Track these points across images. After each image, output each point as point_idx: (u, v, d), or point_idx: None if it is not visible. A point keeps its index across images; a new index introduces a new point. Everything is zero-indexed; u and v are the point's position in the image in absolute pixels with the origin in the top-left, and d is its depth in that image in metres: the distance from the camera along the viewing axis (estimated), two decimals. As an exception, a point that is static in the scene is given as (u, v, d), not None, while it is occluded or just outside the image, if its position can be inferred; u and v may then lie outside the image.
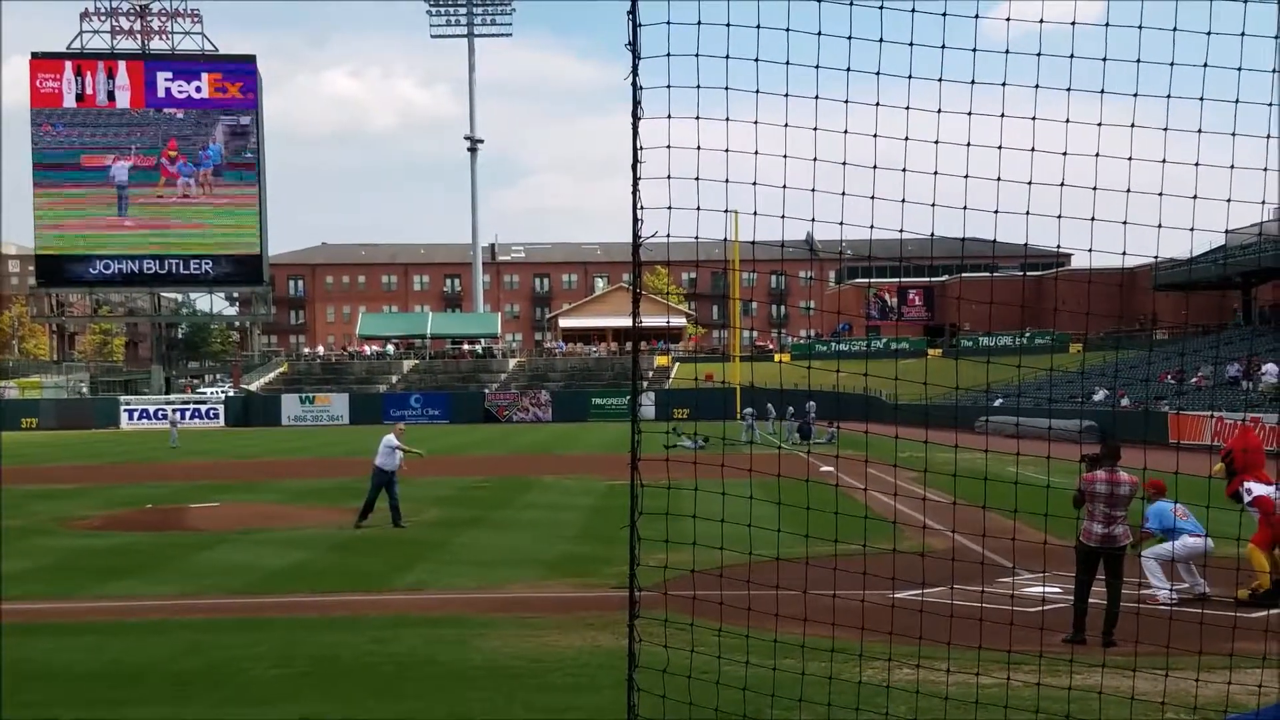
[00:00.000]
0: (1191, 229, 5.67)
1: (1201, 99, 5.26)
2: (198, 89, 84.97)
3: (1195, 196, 5.43)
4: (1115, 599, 11.77)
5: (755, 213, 6.22)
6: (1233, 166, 5.32)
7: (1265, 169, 5.19)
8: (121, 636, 12.71)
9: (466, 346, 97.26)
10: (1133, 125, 5.56)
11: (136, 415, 75.93)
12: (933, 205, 5.93)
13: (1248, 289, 63.15)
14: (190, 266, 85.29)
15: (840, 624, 8.29)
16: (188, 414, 77.07)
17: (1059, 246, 5.92)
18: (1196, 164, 5.48)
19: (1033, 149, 5.76)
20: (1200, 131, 5.31)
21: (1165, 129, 5.42)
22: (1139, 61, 5.35)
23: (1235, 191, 5.47)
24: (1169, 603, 13.16)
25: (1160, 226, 5.53)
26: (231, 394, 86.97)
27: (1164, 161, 5.49)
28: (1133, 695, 7.99)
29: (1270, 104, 5.21)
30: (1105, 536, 11.80)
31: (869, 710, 8.24)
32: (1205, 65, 5.31)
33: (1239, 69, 5.28)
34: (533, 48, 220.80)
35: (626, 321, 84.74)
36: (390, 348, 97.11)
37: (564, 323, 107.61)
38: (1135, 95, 5.45)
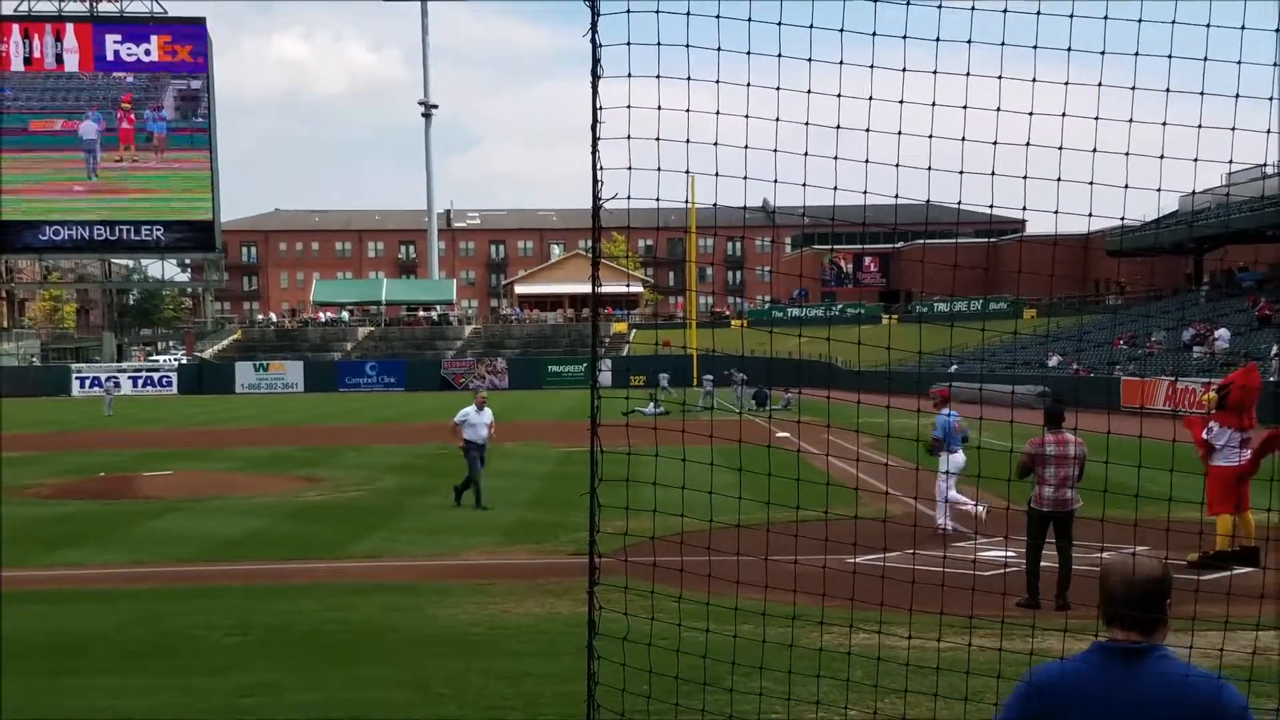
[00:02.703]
0: (1159, 189, 5.61)
1: (1170, 56, 5.20)
2: (147, 51, 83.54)
3: (1163, 156, 5.37)
4: (1067, 561, 11.87)
5: (716, 174, 6.08)
6: (1200, 126, 5.27)
7: (1233, 129, 5.13)
8: (72, 605, 12.53)
9: (422, 313, 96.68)
10: (1100, 84, 5.49)
11: (88, 383, 74.93)
12: (896, 165, 5.85)
13: (1201, 254, 63.78)
14: (141, 232, 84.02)
15: (801, 590, 8.25)
16: (140, 381, 76.26)
17: (1024, 208, 5.84)
18: (1164, 123, 5.42)
19: (998, 109, 5.68)
20: (1169, 90, 5.25)
21: (1133, 88, 5.36)
22: (1105, 19, 5.28)
23: (1201, 153, 5.41)
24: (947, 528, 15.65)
25: (1127, 187, 5.47)
26: (184, 361, 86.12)
27: (1131, 121, 5.43)
28: (1092, 658, 8.00)
29: (1239, 61, 5.15)
30: (1056, 500, 11.87)
31: (829, 676, 8.22)
32: (1173, 23, 5.25)
33: (1207, 25, 5.22)
34: (488, 11, 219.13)
35: (583, 288, 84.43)
36: (345, 314, 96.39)
37: (520, 289, 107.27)
38: (1102, 54, 5.39)
